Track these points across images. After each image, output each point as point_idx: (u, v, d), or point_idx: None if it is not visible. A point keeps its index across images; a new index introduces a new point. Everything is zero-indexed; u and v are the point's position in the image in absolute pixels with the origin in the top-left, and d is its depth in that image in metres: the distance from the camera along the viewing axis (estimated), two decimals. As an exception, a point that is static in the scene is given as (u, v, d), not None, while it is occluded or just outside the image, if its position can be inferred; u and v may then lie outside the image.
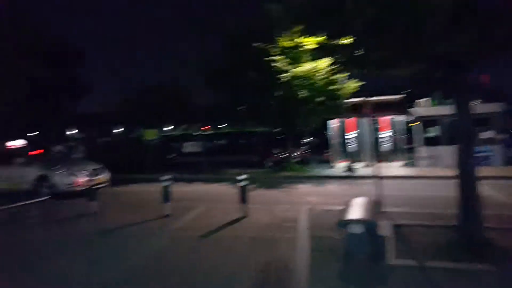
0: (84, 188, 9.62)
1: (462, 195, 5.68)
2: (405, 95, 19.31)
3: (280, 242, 6.38)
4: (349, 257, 5.52)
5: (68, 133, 42.50)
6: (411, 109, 17.65)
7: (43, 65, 9.55)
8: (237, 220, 7.92)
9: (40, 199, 9.43)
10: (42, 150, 13.70)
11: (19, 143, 14.40)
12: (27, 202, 9.14)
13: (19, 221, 8.61)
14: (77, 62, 25.66)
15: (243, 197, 8.31)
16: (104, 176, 12.41)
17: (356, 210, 5.97)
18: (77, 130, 46.41)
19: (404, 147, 18.57)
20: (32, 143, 14.51)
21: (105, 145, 21.24)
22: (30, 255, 6.26)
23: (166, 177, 8.61)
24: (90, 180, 9.27)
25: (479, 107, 15.99)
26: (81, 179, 11.04)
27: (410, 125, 18.18)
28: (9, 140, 15.11)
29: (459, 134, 5.78)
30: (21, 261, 5.98)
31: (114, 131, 47.59)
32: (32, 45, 17.62)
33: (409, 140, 18.52)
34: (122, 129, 46.31)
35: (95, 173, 11.64)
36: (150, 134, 19.39)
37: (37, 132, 27.94)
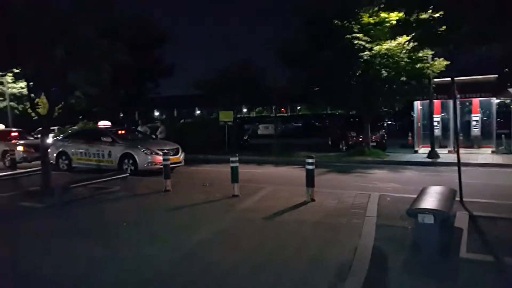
0: (161, 166, 10.18)
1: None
2: (498, 75, 17.35)
3: (344, 228, 6.15)
4: (417, 249, 5.19)
5: (152, 114, 45.36)
6: (508, 90, 15.85)
7: (126, 48, 10.21)
8: (302, 204, 7.80)
9: (122, 176, 10.19)
10: (125, 131, 14.78)
11: (107, 123, 15.69)
12: (111, 178, 9.91)
13: (101, 194, 9.35)
14: (160, 44, 26.92)
15: (310, 180, 8.15)
16: (179, 156, 13.19)
17: (429, 199, 5.57)
18: (158, 113, 49.31)
19: (496, 132, 16.79)
20: (119, 124, 15.72)
21: (185, 127, 22.21)
22: (101, 226, 6.81)
23: (234, 158, 8.76)
24: (166, 160, 9.79)
25: None
26: (159, 158, 11.70)
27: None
28: (100, 120, 16.54)
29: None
30: (92, 230, 6.56)
31: (195, 113, 49.79)
32: (115, 26, 18.68)
33: (503, 124, 16.73)
34: (203, 110, 48.25)
35: (171, 153, 12.31)
36: (226, 116, 19.84)
37: (122, 114, 30.14)
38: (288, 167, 14.40)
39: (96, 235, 6.24)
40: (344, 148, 18.74)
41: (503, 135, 16.76)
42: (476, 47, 6.02)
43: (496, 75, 17.33)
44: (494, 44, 5.81)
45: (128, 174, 10.49)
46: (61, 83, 9.42)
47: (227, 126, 19.60)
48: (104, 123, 15.78)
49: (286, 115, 47.13)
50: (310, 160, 8.15)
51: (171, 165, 10.88)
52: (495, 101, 16.85)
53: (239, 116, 46.52)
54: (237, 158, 8.78)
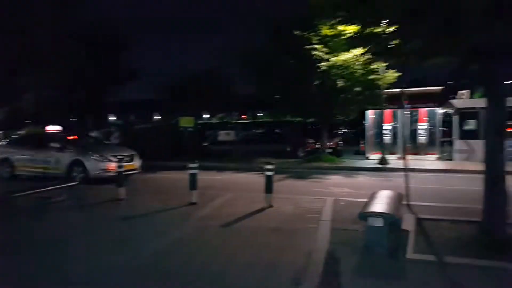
0: (114, 174, 9.93)
1: (487, 190, 5.47)
2: (444, 87, 18.60)
3: (300, 233, 6.37)
4: (368, 251, 5.49)
5: (108, 118, 44.08)
6: (451, 101, 16.99)
7: (85, 50, 9.89)
8: (261, 210, 7.95)
9: (70, 184, 9.72)
10: (76, 136, 14.27)
11: (56, 128, 15.11)
12: (58, 186, 9.21)
13: (46, 204, 8.76)
14: (123, 48, 26.21)
15: (268, 187, 8.35)
16: (135, 163, 12.78)
17: (378, 203, 5.92)
18: (115, 117, 48.03)
19: (440, 140, 17.92)
20: (69, 129, 15.15)
21: (141, 132, 21.81)
22: (49, 238, 6.45)
23: (193, 164, 8.75)
24: (121, 166, 9.56)
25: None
26: (112, 165, 11.43)
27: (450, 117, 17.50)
28: (48, 125, 15.91)
29: (489, 127, 5.54)
30: (41, 243, 6.21)
31: (154, 118, 48.95)
32: (75, 28, 18.02)
33: (447, 133, 17.87)
34: (161, 116, 47.52)
35: (126, 159, 11.95)
36: (186, 122, 19.74)
37: (76, 118, 29.05)
38: (248, 173, 14.57)
39: (34, 250, 5.88)
40: (302, 154, 19.18)
41: (446, 143, 18.00)
42: (424, 61, 6.48)
43: (441, 87, 18.62)
44: (440, 59, 6.28)
45: (77, 182, 10.00)
46: (6, 86, 8.92)
47: (187, 132, 19.50)
48: (53, 128, 15.20)
49: (247, 121, 47.43)
50: (269, 167, 8.34)
51: (126, 173, 10.66)
52: (439, 111, 17.98)
53: (200, 122, 46.31)
54: (196, 165, 8.77)
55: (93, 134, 17.74)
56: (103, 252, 5.68)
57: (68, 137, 13.70)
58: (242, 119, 54.24)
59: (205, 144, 23.48)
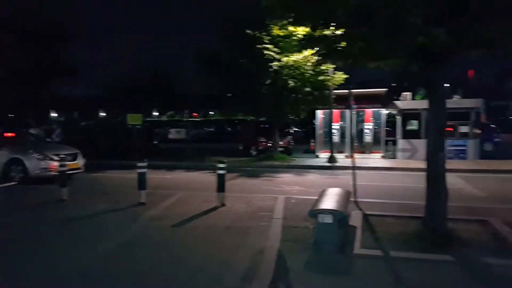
0: (56, 173, 9.41)
1: (429, 187, 5.77)
2: (387, 89, 19.51)
3: (253, 232, 6.39)
4: (318, 247, 5.62)
5: (50, 115, 41.82)
6: (395, 102, 17.81)
7: (22, 43, 9.13)
8: (213, 209, 7.90)
9: (8, 184, 9.11)
10: (14, 134, 13.37)
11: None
12: None
13: None
14: (61, 41, 24.79)
15: (221, 186, 8.30)
16: (79, 162, 12.12)
17: (328, 201, 6.07)
18: (56, 114, 45.65)
19: (385, 139, 18.77)
20: (7, 125, 14.07)
21: (86, 130, 20.85)
22: None
23: (142, 163, 8.49)
24: (63, 165, 9.07)
25: (459, 101, 16.28)
26: (54, 164, 10.81)
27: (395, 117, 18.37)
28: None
29: (430, 127, 5.85)
30: None
31: (99, 115, 47.08)
32: (10, 20, 16.69)
33: (391, 133, 18.73)
34: (107, 113, 45.83)
35: (69, 158, 11.36)
36: (134, 119, 19.09)
37: (14, 115, 27.23)
38: (199, 172, 14.40)
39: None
40: (254, 153, 19.28)
41: (390, 142, 18.91)
42: (370, 63, 6.73)
43: (386, 89, 19.55)
44: (385, 61, 6.55)
45: (15, 182, 9.41)
46: None
47: (135, 129, 18.90)
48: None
49: (198, 119, 46.90)
50: (221, 165, 8.30)
51: (69, 172, 10.15)
52: (384, 111, 18.84)
53: (148, 119, 45.16)
54: (145, 164, 8.53)
55: (33, 131, 16.68)
56: (44, 258, 5.37)
57: (5, 134, 12.76)
58: (193, 117, 53.69)
59: (155, 142, 22.94)
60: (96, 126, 22.03)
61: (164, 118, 50.74)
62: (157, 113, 51.32)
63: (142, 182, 8.44)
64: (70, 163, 10.83)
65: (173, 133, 34.41)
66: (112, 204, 8.39)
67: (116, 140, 18.87)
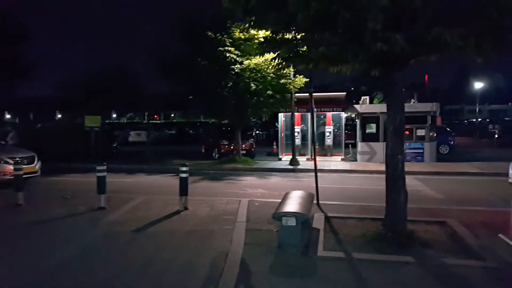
0: (11, 177, 8.97)
1: (388, 189, 5.95)
2: (345, 93, 20.04)
3: (216, 235, 6.34)
4: (282, 250, 5.65)
5: (4, 117, 39.71)
6: (354, 106, 18.29)
7: None
8: (175, 213, 7.77)
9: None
10: None
11: None
12: None
13: None
14: (19, 39, 23.63)
15: (183, 189, 8.18)
16: (35, 165, 11.64)
17: (291, 203, 6.12)
18: (11, 116, 43.43)
19: (345, 142, 19.24)
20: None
21: (42, 132, 19.99)
22: None
23: (101, 166, 8.22)
24: (19, 169, 8.65)
25: (415, 105, 16.94)
26: (9, 167, 10.28)
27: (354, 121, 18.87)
28: None
29: (389, 130, 6.03)
30: None
31: (56, 117, 45.22)
32: None
33: (350, 135, 19.22)
34: (65, 115, 44.10)
35: (25, 161, 10.86)
36: (92, 121, 18.48)
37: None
38: (161, 175, 14.13)
39: None
40: (216, 156, 19.17)
41: (350, 145, 19.43)
42: (331, 67, 6.86)
43: (345, 93, 20.08)
44: (345, 65, 6.70)
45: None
46: None
47: (93, 132, 18.29)
48: None
49: (159, 121, 46.09)
50: (183, 168, 8.17)
51: (25, 176, 9.66)
52: (343, 115, 19.32)
53: (108, 121, 43.85)
54: (104, 167, 8.27)
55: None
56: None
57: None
58: (154, 119, 52.73)
59: (114, 145, 22.32)
60: (53, 129, 21.20)
61: (124, 120, 49.50)
62: (116, 115, 50.02)
63: (101, 185, 8.18)
64: (26, 167, 10.30)
65: (133, 136, 33.62)
66: (70, 209, 8.09)
67: (74, 143, 18.24)
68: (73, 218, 7.51)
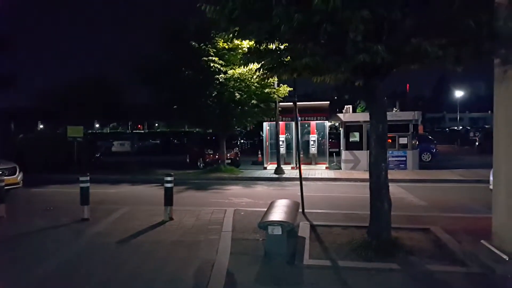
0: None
1: (372, 197, 6.02)
2: (329, 102, 20.28)
3: (202, 245, 6.30)
4: (268, 259, 5.65)
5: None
6: (338, 115, 18.49)
7: None
8: (160, 223, 7.70)
9: None
10: None
11: None
12: None
13: None
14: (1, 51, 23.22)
15: (168, 199, 8.11)
16: (17, 177, 11.38)
17: (277, 212, 6.14)
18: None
19: (329, 151, 19.39)
20: None
21: (24, 142, 19.64)
22: None
23: (84, 177, 8.13)
24: (0, 181, 8.48)
25: (397, 114, 17.22)
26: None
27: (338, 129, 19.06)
28: None
29: (372, 139, 6.12)
30: None
31: (39, 127, 44.39)
32: None
33: (334, 144, 19.39)
34: (47, 125, 43.36)
35: (6, 172, 10.62)
36: (74, 131, 18.22)
37: None
38: (145, 185, 13.99)
39: None
40: (201, 165, 19.10)
41: (334, 153, 19.60)
42: (314, 77, 6.95)
43: (328, 102, 20.31)
44: (329, 75, 6.80)
45: None
46: None
47: (76, 142, 18.04)
48: None
49: (143, 131, 45.69)
50: (168, 178, 8.12)
51: (7, 187, 9.46)
52: (327, 123, 19.50)
53: (90, 131, 43.24)
54: (87, 178, 8.18)
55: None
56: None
57: None
58: (138, 129, 52.26)
59: (97, 155, 22.05)
60: (35, 139, 20.84)
61: (107, 130, 48.95)
62: (99, 125, 49.43)
63: (84, 197, 8.07)
64: (7, 178, 10.09)
65: (116, 146, 33.30)
66: (53, 221, 7.96)
67: (56, 153, 17.97)
68: (56, 230, 7.40)
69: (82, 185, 8.07)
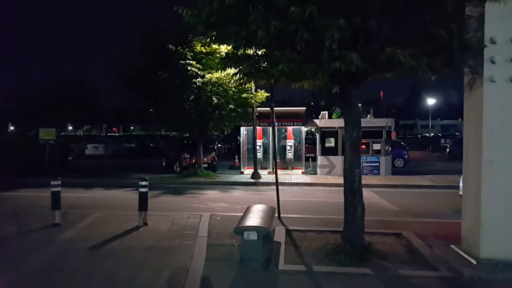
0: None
1: (346, 202, 6.11)
2: (305, 107, 20.51)
3: (177, 251, 6.25)
4: (244, 264, 5.64)
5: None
6: (314, 121, 18.70)
7: None
8: (135, 229, 7.58)
9: None
10: None
11: None
12: None
13: None
14: None
15: (143, 204, 8.00)
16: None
17: (253, 217, 6.15)
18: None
19: (306, 156, 19.57)
20: None
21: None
22: None
23: (56, 181, 7.92)
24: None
25: (371, 120, 17.56)
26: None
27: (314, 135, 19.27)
28: None
29: (347, 145, 6.22)
30: None
31: (9, 129, 43.01)
32: None
33: (311, 149, 19.58)
34: (18, 127, 42.09)
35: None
36: (46, 134, 17.76)
37: None
38: (120, 190, 13.74)
39: None
40: (178, 169, 18.92)
41: (310, 158, 19.80)
42: (291, 83, 7.02)
43: (305, 108, 20.54)
44: (305, 81, 6.88)
45: None
46: None
47: (48, 145, 17.57)
48: None
49: (118, 134, 44.90)
50: (143, 183, 8.02)
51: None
52: (304, 129, 19.71)
53: (63, 134, 42.21)
54: (59, 182, 7.99)
55: None
56: None
57: None
58: (113, 132, 51.37)
59: (70, 158, 21.52)
60: (5, 142, 20.20)
61: (80, 133, 47.91)
62: (72, 128, 48.33)
63: (56, 201, 7.87)
64: None
65: (90, 149, 32.57)
66: (22, 226, 7.73)
67: (27, 156, 17.48)
68: (26, 236, 7.19)
69: (53, 189, 7.86)
